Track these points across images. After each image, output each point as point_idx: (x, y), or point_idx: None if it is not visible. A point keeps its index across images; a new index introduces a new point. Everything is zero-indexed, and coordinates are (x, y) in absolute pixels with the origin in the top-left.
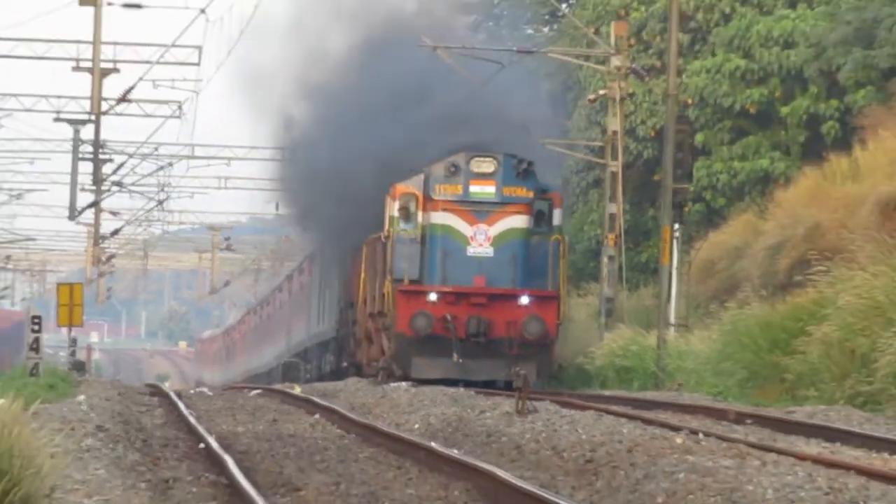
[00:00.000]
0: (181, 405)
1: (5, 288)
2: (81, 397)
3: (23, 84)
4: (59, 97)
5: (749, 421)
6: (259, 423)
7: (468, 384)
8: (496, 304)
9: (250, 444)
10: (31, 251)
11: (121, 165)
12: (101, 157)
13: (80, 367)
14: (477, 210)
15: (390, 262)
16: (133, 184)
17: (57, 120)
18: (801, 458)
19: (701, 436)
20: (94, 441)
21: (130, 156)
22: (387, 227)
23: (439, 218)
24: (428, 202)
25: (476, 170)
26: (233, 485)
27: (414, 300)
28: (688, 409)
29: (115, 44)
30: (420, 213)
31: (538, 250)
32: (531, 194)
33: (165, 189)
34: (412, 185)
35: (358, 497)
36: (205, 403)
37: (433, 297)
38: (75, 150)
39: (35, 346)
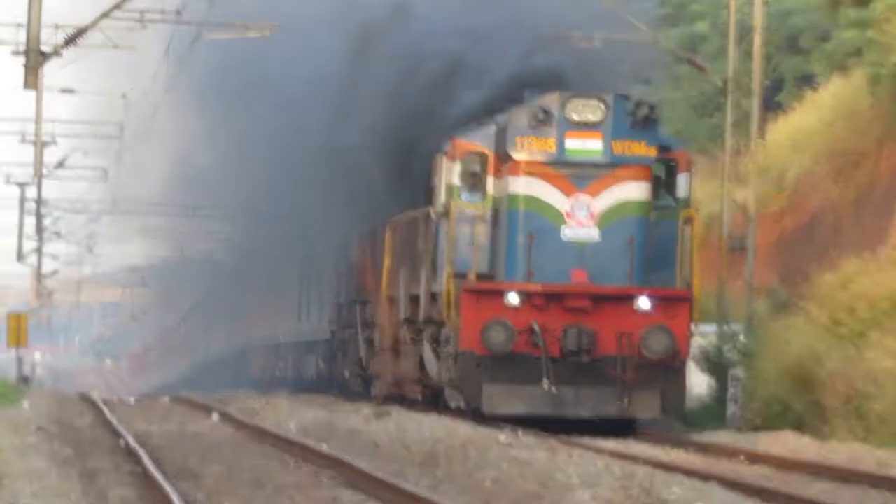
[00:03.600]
0: (106, 410)
1: None
2: (26, 404)
3: None
4: (7, 164)
5: None
6: (168, 424)
7: (563, 423)
8: (604, 308)
9: (161, 441)
10: None
11: (58, 218)
12: (42, 211)
13: (25, 380)
14: (577, 175)
15: (449, 250)
16: (68, 233)
17: (7, 183)
18: (600, 451)
19: (520, 433)
20: (34, 439)
21: (65, 210)
22: (442, 198)
23: (521, 185)
24: (502, 165)
25: (576, 117)
26: (146, 473)
27: (486, 304)
28: None
29: (54, 121)
30: (492, 180)
31: (661, 232)
32: (653, 152)
33: (93, 237)
34: (480, 141)
35: (246, 482)
36: (126, 409)
37: (514, 299)
38: (21, 206)
39: None
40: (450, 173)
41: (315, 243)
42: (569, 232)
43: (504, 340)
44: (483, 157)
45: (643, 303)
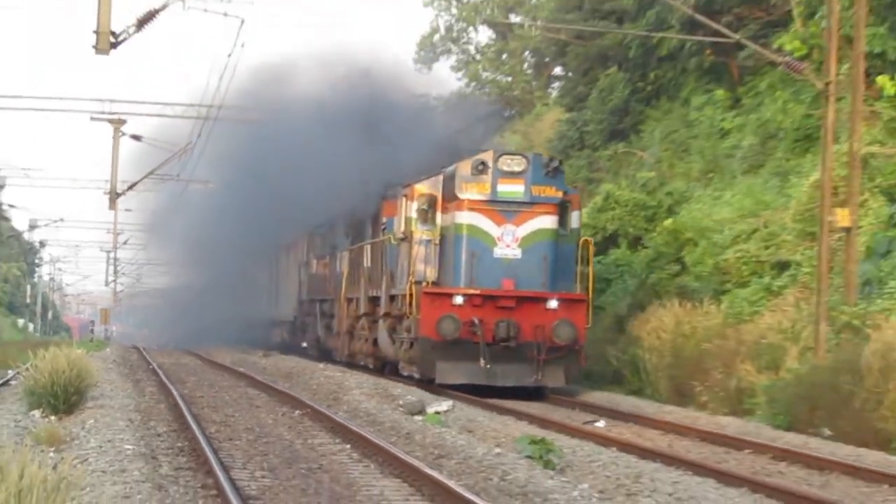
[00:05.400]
0: (144, 353)
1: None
2: (108, 350)
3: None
4: (102, 242)
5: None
6: (171, 359)
7: (494, 390)
8: (524, 307)
9: (168, 367)
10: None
11: (123, 265)
12: (116, 263)
13: (108, 339)
14: (505, 210)
15: (410, 264)
16: (129, 272)
17: (101, 250)
18: (368, 374)
19: (326, 364)
20: (111, 365)
21: (126, 262)
22: (402, 227)
23: (465, 218)
24: (448, 202)
25: (506, 168)
26: (160, 380)
27: (439, 303)
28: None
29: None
30: (439, 215)
31: (565, 252)
32: (560, 194)
33: (140, 275)
34: (431, 186)
35: (206, 384)
36: (152, 352)
37: (459, 299)
38: (107, 262)
39: (91, 331)
40: (409, 209)
41: (281, 261)
42: (499, 251)
43: (453, 329)
44: (433, 198)
45: (552, 303)
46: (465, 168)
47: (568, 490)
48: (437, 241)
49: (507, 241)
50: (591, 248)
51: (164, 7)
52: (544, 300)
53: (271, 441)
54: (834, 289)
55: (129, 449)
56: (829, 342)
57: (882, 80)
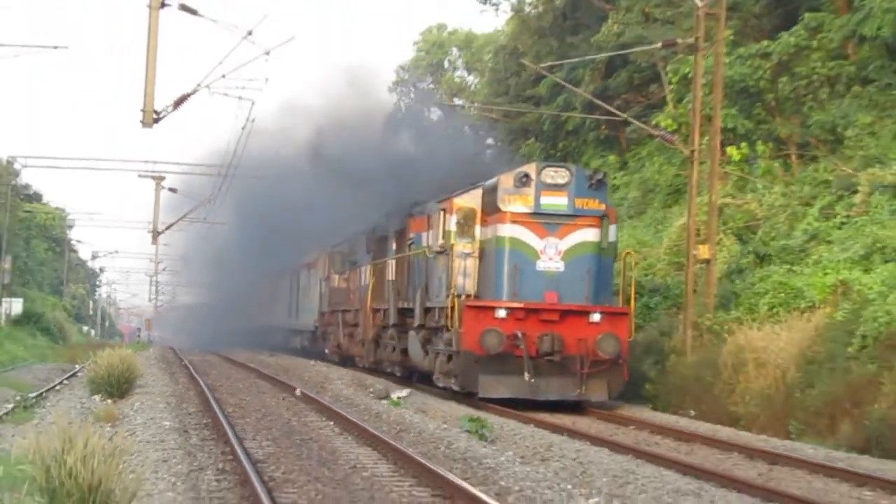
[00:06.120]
0: (179, 354)
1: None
2: (150, 350)
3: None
4: (147, 269)
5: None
6: (199, 358)
7: (536, 404)
8: (567, 320)
9: (197, 363)
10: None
11: (162, 287)
12: (158, 285)
13: (150, 342)
14: (548, 223)
15: (452, 277)
16: (167, 292)
17: (146, 275)
18: (347, 369)
19: (315, 361)
20: (153, 362)
21: (165, 284)
22: (440, 241)
23: (507, 230)
24: (488, 215)
25: (548, 180)
26: (191, 373)
27: (482, 316)
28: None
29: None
30: (478, 227)
31: (605, 265)
32: (602, 207)
33: (175, 293)
34: (470, 200)
35: (225, 376)
36: (186, 353)
37: (502, 312)
38: (150, 284)
39: (138, 336)
40: (448, 223)
41: (302, 278)
42: (542, 264)
43: (497, 343)
44: (472, 211)
45: (595, 316)
46: (507, 181)
47: (497, 456)
48: (477, 255)
49: (550, 253)
50: (636, 261)
51: (194, 92)
52: (587, 313)
53: (274, 418)
54: (699, 305)
55: (166, 424)
56: (694, 344)
57: (731, 149)
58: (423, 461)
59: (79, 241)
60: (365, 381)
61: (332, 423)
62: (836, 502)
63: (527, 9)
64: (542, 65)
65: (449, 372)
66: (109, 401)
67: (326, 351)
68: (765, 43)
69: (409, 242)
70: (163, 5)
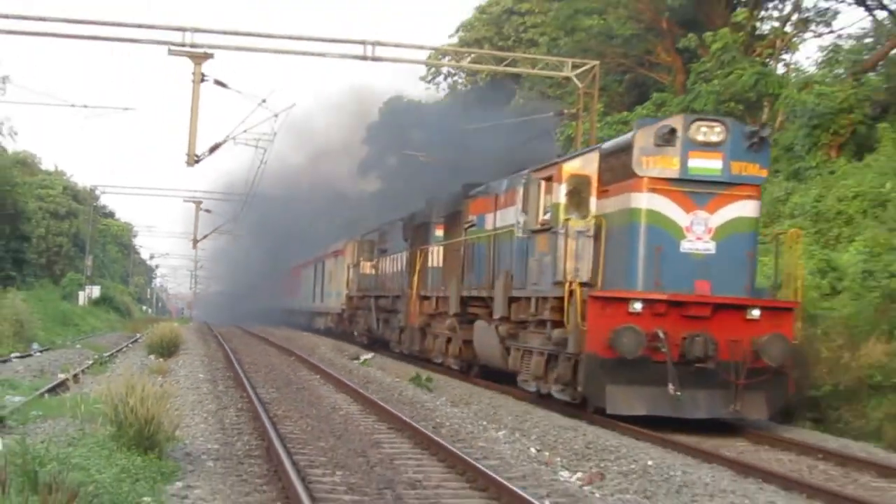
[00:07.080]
0: (211, 328)
1: (182, 309)
2: (191, 323)
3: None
4: (188, 267)
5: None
6: (227, 330)
7: (677, 421)
8: (719, 317)
9: (225, 335)
10: (180, 293)
11: (200, 280)
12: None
13: (191, 318)
14: (696, 192)
15: (567, 261)
16: (203, 287)
17: (187, 271)
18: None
19: (307, 334)
20: (193, 333)
21: (200, 278)
22: (540, 217)
23: (643, 201)
24: (608, 184)
25: (699, 138)
26: (219, 341)
27: (611, 310)
28: None
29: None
30: (593, 200)
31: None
32: (764, 173)
33: (207, 286)
34: (584, 166)
35: (246, 345)
36: (217, 327)
37: (637, 306)
38: (190, 278)
39: (182, 313)
40: (556, 194)
41: (328, 265)
42: (687, 245)
43: (635, 345)
44: (587, 180)
45: (755, 312)
46: (644, 137)
47: (434, 401)
48: (592, 233)
49: (698, 231)
50: (800, 243)
51: (224, 141)
52: (745, 308)
53: (277, 373)
54: None
55: (201, 376)
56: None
57: None
58: (382, 404)
59: (140, 246)
60: (342, 347)
61: (318, 376)
62: None
63: (458, 87)
64: (468, 126)
65: (561, 378)
66: (161, 359)
67: (355, 333)
68: (625, 113)
69: (468, 226)
70: (203, 80)
